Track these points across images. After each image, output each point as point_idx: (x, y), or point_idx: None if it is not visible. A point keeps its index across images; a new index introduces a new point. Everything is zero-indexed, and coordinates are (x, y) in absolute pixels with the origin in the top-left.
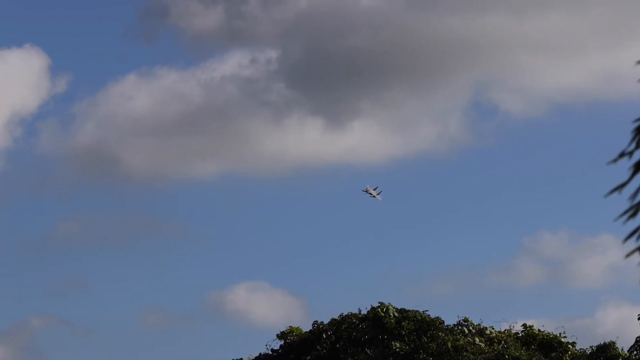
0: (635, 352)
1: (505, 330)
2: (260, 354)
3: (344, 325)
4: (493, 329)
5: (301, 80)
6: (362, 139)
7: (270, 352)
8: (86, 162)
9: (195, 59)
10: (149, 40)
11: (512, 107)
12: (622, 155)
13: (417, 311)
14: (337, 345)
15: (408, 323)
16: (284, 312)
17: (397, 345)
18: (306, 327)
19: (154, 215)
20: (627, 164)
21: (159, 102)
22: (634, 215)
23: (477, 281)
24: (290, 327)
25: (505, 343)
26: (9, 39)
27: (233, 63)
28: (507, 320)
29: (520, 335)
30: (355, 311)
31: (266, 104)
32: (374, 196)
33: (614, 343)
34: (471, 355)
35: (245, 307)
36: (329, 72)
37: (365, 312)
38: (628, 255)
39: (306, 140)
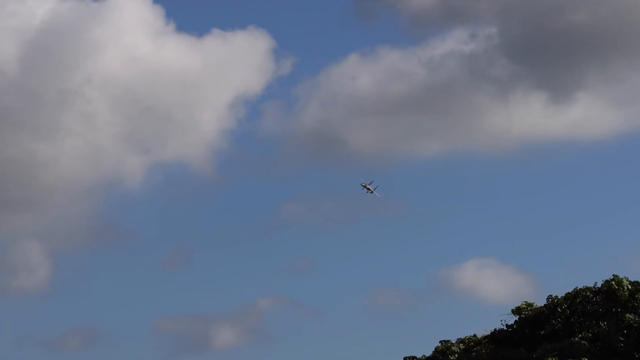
0: None
1: None
2: (495, 329)
3: (578, 299)
4: None
5: (523, 55)
6: (587, 114)
7: (505, 327)
8: (310, 143)
9: (416, 38)
10: (366, 21)
11: None
12: None
13: None
14: (572, 319)
15: None
16: (512, 289)
17: (631, 317)
18: (536, 303)
19: (380, 195)
20: None
21: (381, 81)
22: None
23: None
24: (526, 302)
25: None
26: (233, 21)
27: (453, 40)
28: None
29: None
30: (588, 285)
31: (490, 79)
32: (372, 191)
33: None
34: None
35: (474, 284)
36: (549, 47)
37: (600, 286)
38: None
39: (531, 115)
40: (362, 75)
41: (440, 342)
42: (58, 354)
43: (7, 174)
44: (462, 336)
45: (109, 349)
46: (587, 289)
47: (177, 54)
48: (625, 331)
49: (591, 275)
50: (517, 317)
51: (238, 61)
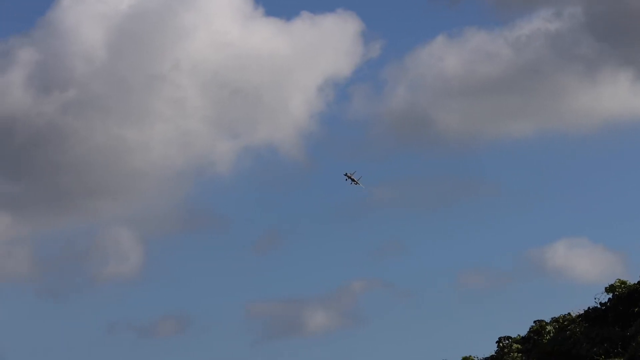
0: None
1: None
2: (588, 308)
3: None
4: None
5: (608, 33)
6: None
7: (598, 306)
8: (398, 125)
9: (501, 18)
10: (452, 3)
11: None
12: None
13: None
14: None
15: None
16: (603, 267)
17: None
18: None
19: (470, 175)
20: None
21: (468, 62)
22: None
23: None
24: (619, 279)
25: None
26: (322, 3)
27: (539, 20)
28: None
29: None
30: None
31: (576, 58)
32: (356, 182)
33: None
34: None
35: (565, 263)
36: (634, 24)
37: None
38: None
39: (618, 94)
40: (449, 57)
41: (535, 321)
42: (150, 339)
43: (96, 160)
44: (556, 315)
45: (200, 334)
46: None
47: (266, 38)
48: None
49: None
50: (611, 295)
51: (327, 44)
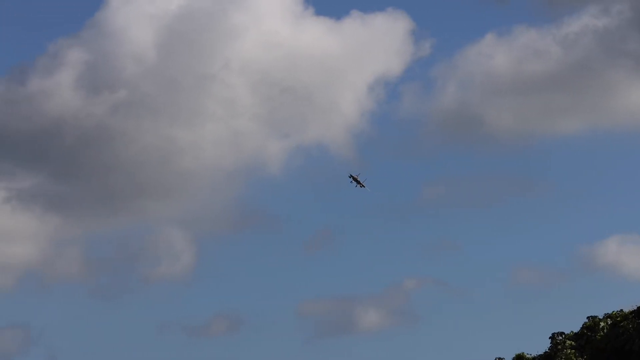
0: None
1: None
2: None
3: None
4: None
5: None
6: None
7: None
8: (449, 124)
9: (550, 16)
10: (501, 2)
11: None
12: None
13: None
14: None
15: None
16: None
17: None
18: None
19: (521, 173)
20: None
21: (517, 60)
22: None
23: None
24: None
25: None
26: (372, 2)
27: (587, 17)
28: None
29: None
30: None
31: (625, 54)
32: (361, 185)
33: None
34: None
35: (616, 260)
36: None
37: None
38: None
39: None
40: (498, 55)
41: (588, 318)
42: (201, 339)
43: (147, 161)
44: (609, 311)
45: (252, 333)
46: None
47: (316, 38)
48: None
49: None
50: None
51: (377, 43)
